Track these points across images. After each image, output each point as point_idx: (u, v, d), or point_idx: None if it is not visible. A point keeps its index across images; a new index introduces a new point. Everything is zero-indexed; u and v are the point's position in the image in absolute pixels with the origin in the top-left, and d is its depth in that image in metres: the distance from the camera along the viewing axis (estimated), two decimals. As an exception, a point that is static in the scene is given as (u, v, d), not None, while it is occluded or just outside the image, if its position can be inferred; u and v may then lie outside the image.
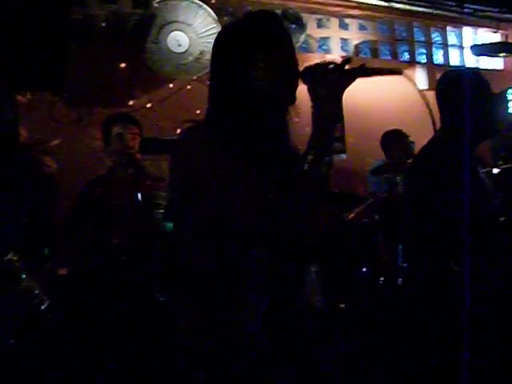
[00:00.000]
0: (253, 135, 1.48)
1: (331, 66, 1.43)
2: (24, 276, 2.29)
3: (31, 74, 3.46)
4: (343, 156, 5.28)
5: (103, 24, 4.20)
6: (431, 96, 6.27)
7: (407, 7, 5.80)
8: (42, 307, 2.30)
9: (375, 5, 5.57)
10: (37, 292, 2.31)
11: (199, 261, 1.46)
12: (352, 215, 4.14)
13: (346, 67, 1.45)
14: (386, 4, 5.54)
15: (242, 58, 1.47)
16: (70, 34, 3.62)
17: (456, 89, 2.39)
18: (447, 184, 2.25)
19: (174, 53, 4.32)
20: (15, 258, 2.29)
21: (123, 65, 4.35)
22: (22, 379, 2.28)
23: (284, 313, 1.46)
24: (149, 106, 4.45)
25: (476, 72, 2.52)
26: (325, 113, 1.44)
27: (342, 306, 3.98)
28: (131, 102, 4.41)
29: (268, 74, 1.46)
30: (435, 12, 6.08)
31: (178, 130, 1.64)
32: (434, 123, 5.66)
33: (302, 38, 5.00)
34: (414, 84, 6.16)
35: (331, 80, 1.42)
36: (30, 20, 3.35)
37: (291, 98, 1.51)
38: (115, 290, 2.95)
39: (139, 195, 3.04)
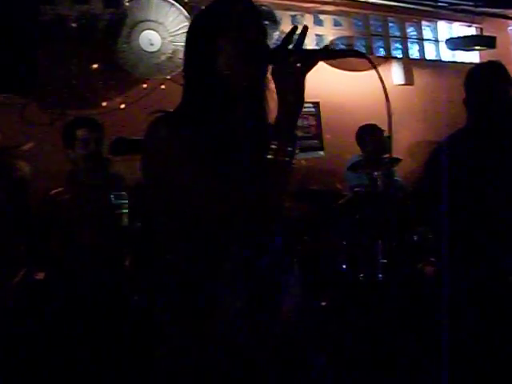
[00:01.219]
0: (222, 123, 1.44)
1: (291, 47, 1.36)
2: None
3: (1, 77, 3.39)
4: (321, 153, 5.33)
5: (74, 24, 4.13)
6: (408, 91, 6.35)
7: (382, 2, 5.81)
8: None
9: (349, 0, 5.57)
10: None
11: (173, 257, 1.44)
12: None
13: (308, 48, 1.40)
14: (359, -1, 5.54)
15: (206, 43, 1.43)
16: (40, 34, 3.56)
17: (478, 82, 2.46)
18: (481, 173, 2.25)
19: (147, 52, 4.26)
20: None
21: (95, 66, 4.29)
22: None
23: (264, 311, 1.43)
24: (122, 106, 4.39)
25: (501, 65, 2.55)
26: (286, 97, 1.34)
27: (323, 303, 3.97)
28: (104, 103, 4.35)
29: (233, 59, 1.41)
30: (410, 6, 6.10)
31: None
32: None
33: (277, 34, 4.98)
34: (390, 79, 6.19)
35: (291, 63, 1.34)
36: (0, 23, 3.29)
37: (260, 82, 1.46)
38: (89, 291, 2.93)
39: (112, 197, 3.02)
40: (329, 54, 1.45)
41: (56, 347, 2.90)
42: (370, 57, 1.43)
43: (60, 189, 3.20)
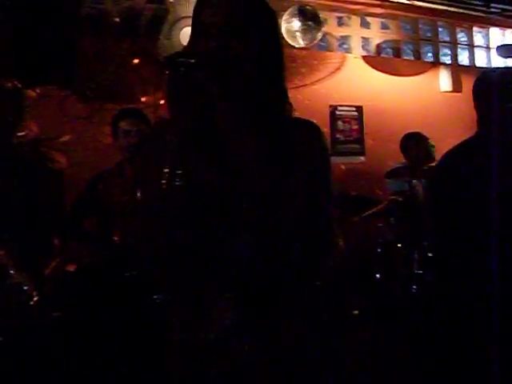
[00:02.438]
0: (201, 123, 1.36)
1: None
2: (12, 271, 2.22)
3: (42, 68, 3.41)
4: (362, 158, 5.19)
5: (117, 19, 4.12)
6: (455, 98, 6.16)
7: (431, 6, 5.64)
8: (31, 303, 2.23)
9: (398, 3, 5.43)
10: (25, 288, 2.23)
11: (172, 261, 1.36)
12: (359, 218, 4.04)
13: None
14: (408, 2, 5.39)
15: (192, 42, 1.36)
16: (82, 28, 3.56)
17: (492, 89, 2.29)
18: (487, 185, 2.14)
19: (187, 48, 4.22)
20: (2, 253, 2.22)
21: (136, 60, 4.28)
22: (11, 377, 2.22)
23: (264, 323, 1.34)
24: (162, 102, 4.36)
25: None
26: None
27: (356, 312, 3.89)
28: (143, 98, 4.33)
29: (203, 64, 1.28)
30: (461, 11, 5.92)
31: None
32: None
33: (319, 35, 4.88)
34: (437, 85, 6.03)
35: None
36: (41, 15, 3.30)
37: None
38: (113, 288, 2.93)
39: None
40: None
41: (87, 338, 2.91)
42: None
43: (101, 176, 3.26)
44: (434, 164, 4.23)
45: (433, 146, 4.50)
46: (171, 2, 4.24)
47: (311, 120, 1.46)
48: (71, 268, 3.27)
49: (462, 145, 2.40)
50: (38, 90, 3.70)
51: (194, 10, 1.39)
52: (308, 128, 1.44)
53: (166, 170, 1.24)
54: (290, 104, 1.44)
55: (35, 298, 2.24)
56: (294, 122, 1.44)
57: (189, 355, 1.34)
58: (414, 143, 4.57)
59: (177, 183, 1.24)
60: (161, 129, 1.39)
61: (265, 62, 1.36)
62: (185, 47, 1.38)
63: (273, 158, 1.35)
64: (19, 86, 3.19)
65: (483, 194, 2.13)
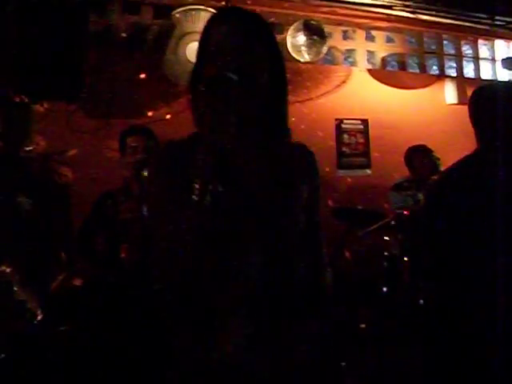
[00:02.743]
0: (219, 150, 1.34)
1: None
2: (16, 289, 2.22)
3: (48, 84, 3.43)
4: (368, 171, 5.17)
5: (123, 34, 4.15)
6: (461, 110, 6.15)
7: (436, 19, 5.66)
8: (35, 321, 2.22)
9: (403, 16, 5.45)
10: (29, 306, 2.23)
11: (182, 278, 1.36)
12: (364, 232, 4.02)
13: None
14: (413, 16, 5.41)
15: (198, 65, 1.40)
16: (89, 44, 3.59)
17: (493, 103, 2.25)
18: (486, 203, 2.11)
19: (193, 64, 4.23)
20: (8, 271, 2.22)
21: (142, 75, 4.30)
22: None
23: (281, 339, 1.34)
24: (168, 117, 4.38)
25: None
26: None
27: (363, 326, 3.87)
28: (150, 113, 4.35)
29: (209, 86, 1.29)
30: (466, 24, 5.93)
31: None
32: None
33: (325, 49, 4.90)
34: (443, 98, 6.03)
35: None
36: (48, 30, 3.32)
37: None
38: (121, 303, 2.93)
39: (144, 209, 2.97)
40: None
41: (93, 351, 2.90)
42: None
43: (108, 193, 3.26)
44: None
45: (438, 159, 4.50)
46: (177, 18, 4.27)
47: (303, 143, 1.51)
48: (78, 283, 3.28)
49: (461, 162, 2.37)
50: (45, 105, 3.73)
51: (204, 30, 1.43)
52: (304, 152, 1.49)
53: (197, 187, 1.26)
54: (289, 128, 1.48)
55: (39, 317, 2.23)
56: (291, 146, 1.49)
57: (202, 373, 1.34)
58: (419, 156, 4.57)
59: (208, 201, 1.25)
60: (185, 145, 1.40)
61: (272, 84, 1.41)
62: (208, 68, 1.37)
63: (275, 180, 1.38)
64: (27, 101, 3.22)
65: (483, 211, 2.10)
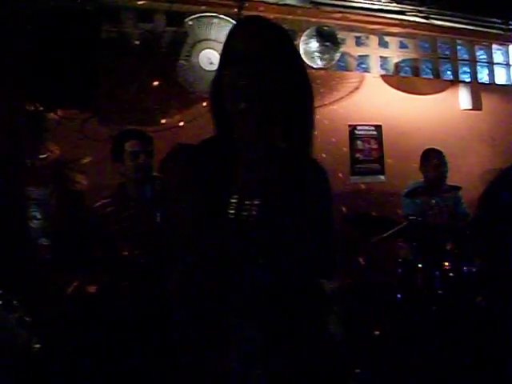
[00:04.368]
0: (225, 155, 1.38)
1: None
2: (15, 303, 2.21)
3: (62, 92, 3.45)
4: (381, 177, 5.15)
5: (136, 42, 4.17)
6: (475, 116, 6.12)
7: (450, 24, 5.63)
8: (33, 346, 2.20)
9: (416, 22, 5.42)
10: (28, 319, 2.21)
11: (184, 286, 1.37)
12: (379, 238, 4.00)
13: None
14: (426, 21, 5.39)
15: (216, 75, 1.40)
16: (102, 51, 3.60)
17: None
18: None
19: (206, 71, 4.24)
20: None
21: (156, 83, 4.32)
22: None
23: (290, 351, 1.33)
24: (181, 124, 4.39)
25: None
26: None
27: (377, 333, 3.84)
28: (163, 120, 4.36)
29: (230, 92, 1.35)
30: (480, 29, 5.90)
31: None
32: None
33: (338, 55, 4.89)
34: (457, 103, 6.00)
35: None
36: (61, 38, 3.35)
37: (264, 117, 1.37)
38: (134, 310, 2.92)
39: (157, 215, 2.95)
40: None
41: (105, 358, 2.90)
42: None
43: (105, 200, 3.19)
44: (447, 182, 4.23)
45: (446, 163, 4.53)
46: (190, 25, 4.28)
47: (316, 160, 1.51)
48: (92, 289, 3.28)
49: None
50: (59, 113, 3.76)
51: (227, 39, 1.44)
52: (319, 169, 1.50)
53: (234, 201, 1.29)
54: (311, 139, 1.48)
55: (36, 345, 2.21)
56: (306, 160, 1.48)
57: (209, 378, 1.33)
58: (436, 156, 4.55)
59: (244, 216, 1.29)
60: (201, 151, 1.42)
61: (293, 93, 1.43)
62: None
63: (289, 192, 1.38)
64: (41, 109, 3.24)
65: None
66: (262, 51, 1.37)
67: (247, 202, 1.30)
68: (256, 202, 1.29)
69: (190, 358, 1.38)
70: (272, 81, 1.36)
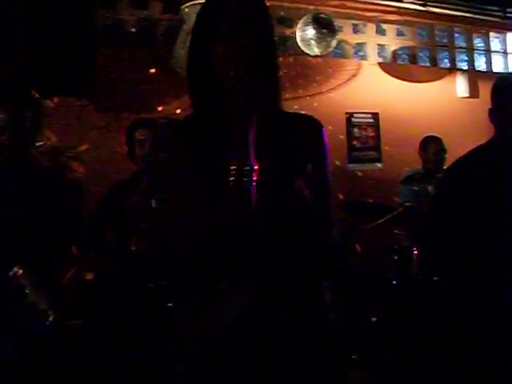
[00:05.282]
0: (215, 126, 1.38)
1: None
2: (28, 291, 2.23)
3: (59, 79, 3.44)
4: (378, 165, 5.14)
5: (133, 29, 4.16)
6: (472, 104, 6.12)
7: (447, 12, 5.63)
8: (47, 323, 2.22)
9: (413, 9, 5.42)
10: (41, 308, 2.23)
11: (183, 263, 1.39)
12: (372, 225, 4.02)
13: None
14: (424, 8, 5.38)
15: (202, 48, 1.37)
16: (99, 39, 3.59)
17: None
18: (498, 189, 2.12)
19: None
20: (20, 272, 2.23)
21: (152, 70, 4.31)
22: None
23: (274, 307, 1.34)
24: (178, 111, 4.38)
25: None
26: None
27: (374, 319, 3.86)
28: (160, 108, 4.36)
29: (226, 64, 1.33)
30: (477, 17, 5.89)
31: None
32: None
33: (334, 42, 4.87)
34: (455, 91, 6.00)
35: None
36: (57, 25, 3.33)
37: (258, 91, 1.36)
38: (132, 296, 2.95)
39: (153, 201, 2.96)
40: None
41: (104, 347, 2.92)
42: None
43: (117, 188, 3.26)
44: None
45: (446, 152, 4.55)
46: (186, 12, 4.27)
47: (311, 116, 1.49)
48: (89, 277, 3.29)
49: (474, 151, 2.38)
50: (55, 100, 3.74)
51: (207, 12, 1.41)
52: (314, 126, 1.47)
53: (234, 167, 1.30)
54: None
55: (50, 318, 2.23)
56: (298, 116, 1.48)
57: (202, 343, 1.35)
58: (436, 143, 4.56)
59: (245, 180, 1.29)
60: (186, 126, 1.42)
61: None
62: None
63: (280, 153, 1.37)
64: (37, 96, 3.23)
65: (497, 196, 2.11)
66: (256, 22, 1.37)
67: (246, 168, 1.30)
68: (255, 167, 1.30)
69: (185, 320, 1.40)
70: (263, 51, 1.36)
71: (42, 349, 2.26)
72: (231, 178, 1.29)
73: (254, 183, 1.29)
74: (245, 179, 1.29)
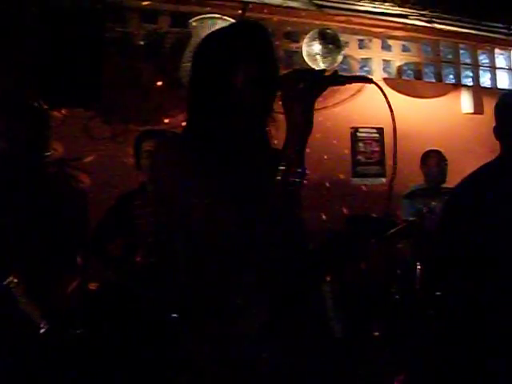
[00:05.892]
0: (229, 146, 1.45)
1: (302, 73, 1.41)
2: (20, 301, 2.23)
3: (66, 90, 3.47)
4: (383, 180, 5.18)
5: (141, 42, 4.20)
6: (477, 120, 6.13)
7: (453, 28, 5.65)
8: (41, 332, 2.22)
9: (419, 25, 5.45)
10: (33, 318, 2.23)
11: (191, 279, 1.41)
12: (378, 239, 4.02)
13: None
14: (429, 25, 5.41)
15: (224, 67, 1.43)
16: (107, 51, 3.63)
17: None
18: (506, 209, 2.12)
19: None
20: (15, 282, 2.23)
21: (159, 83, 4.34)
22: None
23: (288, 324, 1.38)
24: (184, 124, 4.40)
25: None
26: (295, 120, 1.36)
27: (376, 334, 3.85)
28: (167, 120, 4.38)
29: (249, 86, 1.41)
30: (483, 34, 5.92)
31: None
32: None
33: (340, 57, 4.91)
34: (459, 107, 6.01)
35: (300, 88, 1.36)
36: (66, 38, 3.38)
37: (268, 109, 1.48)
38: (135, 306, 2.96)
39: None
40: (336, 79, 1.47)
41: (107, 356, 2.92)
42: (378, 82, 1.45)
43: (125, 199, 3.28)
44: (447, 185, 4.26)
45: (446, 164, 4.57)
46: (194, 26, 4.31)
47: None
48: (93, 286, 3.30)
49: (483, 168, 2.38)
50: (63, 111, 3.78)
51: (228, 39, 1.50)
52: None
53: (283, 168, 1.35)
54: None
55: (43, 329, 2.23)
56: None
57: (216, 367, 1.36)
58: (436, 157, 4.58)
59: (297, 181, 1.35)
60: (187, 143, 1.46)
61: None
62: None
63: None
64: (45, 107, 3.26)
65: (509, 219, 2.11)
66: (273, 52, 1.49)
67: (298, 170, 1.36)
68: (298, 170, 1.36)
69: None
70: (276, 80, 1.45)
71: (33, 358, 2.25)
72: (278, 177, 1.34)
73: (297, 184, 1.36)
74: (291, 179, 1.35)
